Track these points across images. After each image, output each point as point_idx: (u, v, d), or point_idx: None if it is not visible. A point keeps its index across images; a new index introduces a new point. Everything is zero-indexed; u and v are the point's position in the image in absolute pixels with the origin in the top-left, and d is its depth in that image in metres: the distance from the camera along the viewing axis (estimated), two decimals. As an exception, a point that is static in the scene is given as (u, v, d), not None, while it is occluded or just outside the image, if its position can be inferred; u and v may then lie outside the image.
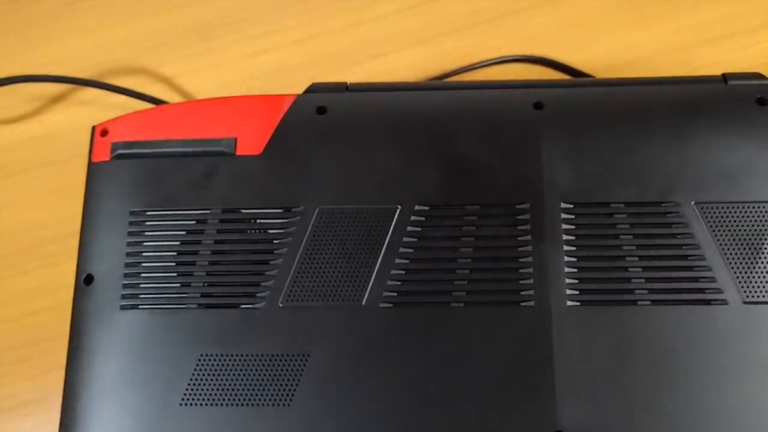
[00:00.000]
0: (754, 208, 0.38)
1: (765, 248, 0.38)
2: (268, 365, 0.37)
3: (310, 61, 0.57)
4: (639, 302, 0.37)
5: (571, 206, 0.39)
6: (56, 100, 0.56)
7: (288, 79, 0.57)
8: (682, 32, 0.56)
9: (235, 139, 0.41)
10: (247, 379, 0.37)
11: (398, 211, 0.39)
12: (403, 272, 0.38)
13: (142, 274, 0.39)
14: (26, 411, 0.48)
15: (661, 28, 0.56)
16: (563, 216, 0.39)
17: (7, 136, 0.55)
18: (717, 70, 0.44)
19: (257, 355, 0.37)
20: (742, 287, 0.37)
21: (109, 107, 0.56)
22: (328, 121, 0.41)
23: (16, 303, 0.51)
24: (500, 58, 0.56)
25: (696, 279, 0.37)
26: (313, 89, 0.42)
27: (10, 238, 0.52)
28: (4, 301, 0.51)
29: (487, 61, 0.56)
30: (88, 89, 0.56)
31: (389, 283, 0.38)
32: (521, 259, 0.38)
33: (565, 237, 0.38)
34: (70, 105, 0.56)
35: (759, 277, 0.37)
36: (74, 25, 0.58)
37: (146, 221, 0.40)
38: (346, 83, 0.43)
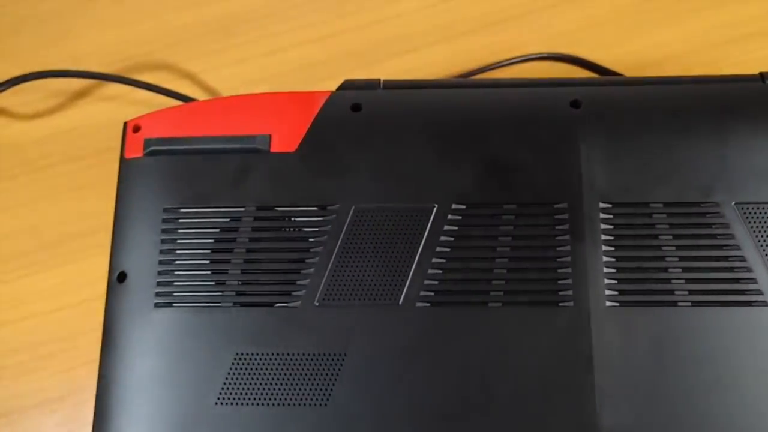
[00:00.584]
0: (794, 208, 0.38)
1: (806, 249, 0.37)
2: (305, 364, 0.37)
3: (333, 58, 0.57)
4: (679, 303, 0.37)
5: (610, 206, 0.38)
6: (79, 95, 0.56)
7: (311, 76, 0.57)
8: (709, 31, 0.56)
9: (270, 136, 0.40)
10: (284, 379, 0.37)
11: (435, 210, 0.39)
12: (440, 272, 0.38)
13: (176, 272, 0.39)
14: (53, 407, 0.48)
15: (688, 27, 0.56)
16: (602, 216, 0.38)
17: (30, 132, 0.55)
18: (745, 69, 0.44)
19: (293, 354, 0.37)
20: (784, 288, 0.37)
21: (132, 103, 0.55)
22: (363, 119, 0.40)
23: (41, 299, 0.50)
24: (526, 56, 0.55)
25: (736, 280, 0.37)
26: (346, 86, 0.42)
27: (35, 234, 0.52)
28: (29, 298, 0.50)
29: (513, 59, 0.55)
30: (111, 85, 0.56)
31: (426, 282, 0.38)
32: (559, 259, 0.38)
33: (603, 237, 0.38)
34: (93, 101, 0.56)
35: (800, 278, 0.37)
36: (97, 21, 0.58)
37: (180, 218, 0.40)
38: (379, 80, 0.42)
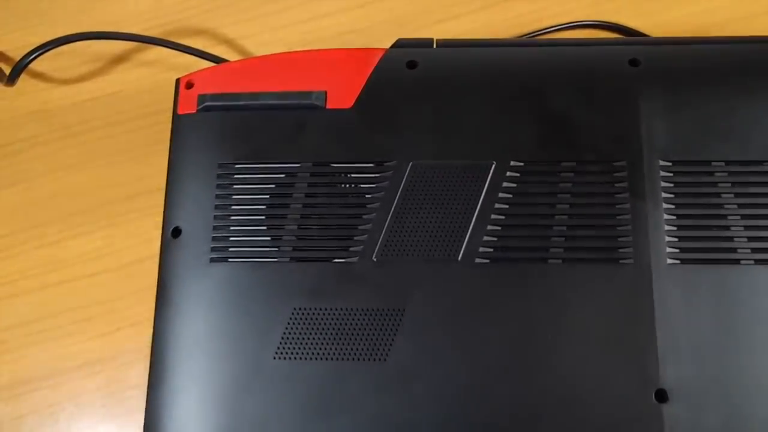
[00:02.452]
0: None
1: None
2: (364, 319, 0.37)
3: (374, 24, 0.56)
4: (742, 261, 0.36)
5: (670, 164, 0.38)
6: (118, 61, 0.56)
7: (351, 43, 0.56)
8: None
9: (326, 92, 0.40)
10: (342, 333, 0.36)
11: (493, 166, 0.38)
12: (498, 228, 0.38)
13: (232, 228, 0.39)
14: (93, 370, 0.48)
15: (735, -6, 0.55)
16: (662, 174, 0.38)
17: (70, 96, 0.55)
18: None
19: (352, 309, 0.37)
20: None
21: (172, 68, 0.55)
22: (419, 76, 0.40)
23: (81, 263, 0.50)
24: (570, 23, 0.55)
25: (800, 238, 0.37)
26: (400, 44, 0.42)
27: (75, 198, 0.52)
28: (69, 261, 0.50)
29: (556, 26, 0.55)
30: (150, 50, 0.55)
31: (485, 238, 0.38)
32: (619, 217, 0.38)
33: (664, 195, 0.38)
34: (132, 65, 0.56)
35: None
36: (133, -15, 0.58)
37: (235, 174, 0.40)
38: (432, 39, 0.42)
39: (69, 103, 0.55)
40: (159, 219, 0.41)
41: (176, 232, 0.39)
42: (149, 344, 0.39)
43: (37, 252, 0.51)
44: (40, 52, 0.50)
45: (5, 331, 0.49)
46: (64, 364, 0.48)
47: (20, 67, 0.50)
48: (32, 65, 0.51)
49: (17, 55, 0.51)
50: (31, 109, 0.55)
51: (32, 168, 0.53)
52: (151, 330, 0.39)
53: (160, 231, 0.41)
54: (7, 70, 0.51)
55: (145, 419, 0.37)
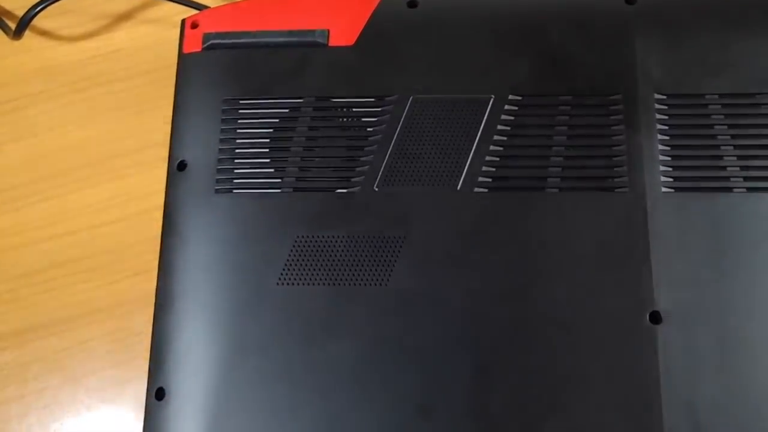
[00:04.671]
0: None
1: None
2: (365, 246, 0.37)
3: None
4: (734, 190, 0.37)
5: (665, 97, 0.39)
6: (123, 18, 0.56)
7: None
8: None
9: (328, 31, 0.41)
10: (344, 260, 0.37)
11: (492, 100, 0.39)
12: (497, 159, 0.39)
13: (236, 160, 0.40)
14: (99, 317, 0.48)
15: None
16: (657, 107, 0.39)
17: (75, 53, 0.55)
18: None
19: (354, 237, 0.38)
20: (839, 174, 0.37)
21: (176, 25, 0.55)
22: (420, 14, 0.41)
23: (86, 215, 0.51)
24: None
25: (792, 167, 0.38)
26: (400, -13, 0.43)
27: (79, 152, 0.52)
28: (75, 213, 0.51)
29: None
30: (154, 8, 0.56)
31: (484, 168, 0.38)
32: (614, 148, 0.38)
33: (658, 126, 0.38)
34: (136, 23, 0.56)
35: None
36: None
37: (240, 109, 0.40)
38: (432, -18, 0.43)
39: (74, 60, 0.56)
40: (164, 172, 0.42)
41: (182, 166, 0.40)
42: (154, 292, 0.40)
43: (44, 204, 0.52)
44: (46, 3, 0.51)
45: (13, 281, 0.50)
46: (70, 312, 0.49)
47: (26, 20, 0.51)
48: (38, 23, 0.52)
49: (22, 12, 0.52)
50: (37, 65, 0.55)
51: (38, 123, 0.54)
52: (155, 279, 0.40)
53: (164, 184, 0.41)
54: (13, 26, 0.52)
55: (151, 345, 0.38)
